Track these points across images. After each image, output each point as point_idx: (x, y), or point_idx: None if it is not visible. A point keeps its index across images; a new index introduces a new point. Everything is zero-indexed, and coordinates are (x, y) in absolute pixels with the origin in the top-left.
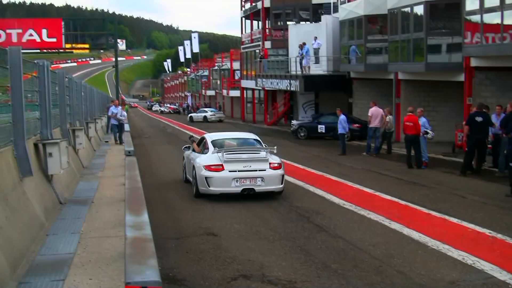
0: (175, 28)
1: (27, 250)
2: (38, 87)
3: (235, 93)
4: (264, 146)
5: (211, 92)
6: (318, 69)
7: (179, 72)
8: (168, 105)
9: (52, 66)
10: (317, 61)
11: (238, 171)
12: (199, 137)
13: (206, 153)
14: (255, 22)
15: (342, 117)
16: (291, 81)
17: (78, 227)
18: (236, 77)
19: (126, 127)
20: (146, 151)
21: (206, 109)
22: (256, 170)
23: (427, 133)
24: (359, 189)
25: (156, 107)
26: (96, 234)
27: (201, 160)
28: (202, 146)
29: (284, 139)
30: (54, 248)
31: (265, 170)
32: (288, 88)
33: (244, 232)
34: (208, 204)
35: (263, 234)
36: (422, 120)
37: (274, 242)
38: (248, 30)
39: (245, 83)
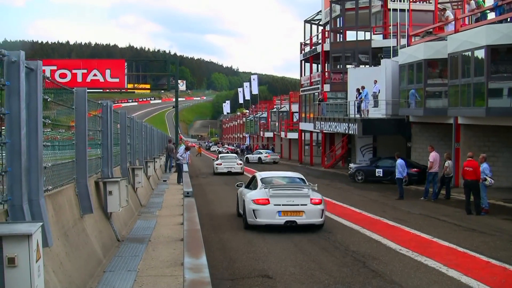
0: (235, 70)
1: (84, 286)
2: (101, 127)
3: (293, 135)
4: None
5: (269, 134)
6: (377, 112)
7: (238, 113)
8: (226, 145)
9: (114, 105)
10: (376, 104)
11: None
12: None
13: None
14: (314, 65)
15: (400, 161)
16: (350, 124)
17: (135, 265)
18: (295, 120)
19: (185, 167)
20: (203, 191)
21: (261, 150)
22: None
23: (485, 179)
24: (416, 234)
25: (214, 148)
26: (152, 272)
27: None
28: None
29: (341, 182)
30: (111, 285)
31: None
32: (346, 131)
33: (299, 275)
34: (263, 245)
35: (318, 278)
36: (483, 166)
37: (329, 287)
38: (308, 73)
39: (303, 126)
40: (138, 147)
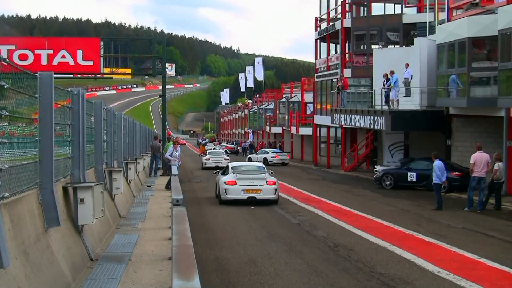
0: (235, 51)
1: None
2: (71, 120)
3: (306, 131)
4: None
5: (276, 129)
6: (409, 103)
7: (239, 104)
8: (224, 143)
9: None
10: (407, 93)
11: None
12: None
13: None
14: (332, 46)
15: (438, 163)
16: (375, 117)
17: None
18: (308, 112)
19: (174, 169)
20: (196, 199)
21: (268, 149)
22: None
23: None
24: (459, 253)
25: (209, 146)
26: None
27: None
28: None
29: (365, 189)
30: None
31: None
32: (372, 126)
33: None
34: (269, 265)
35: None
36: None
37: None
38: (324, 55)
39: (318, 119)
40: (116, 145)
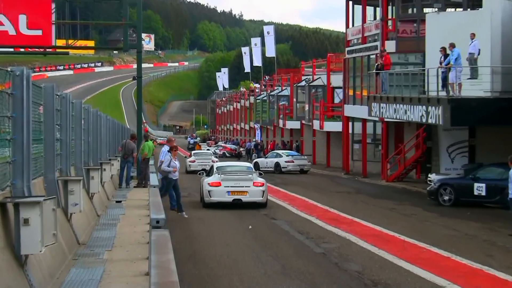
0: (236, 17)
1: None
2: (11, 110)
3: (334, 126)
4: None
5: (293, 124)
6: (476, 88)
7: (242, 89)
8: (222, 143)
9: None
10: (473, 75)
11: (231, 186)
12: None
13: (212, 175)
14: (369, 10)
15: None
16: (429, 108)
17: None
18: (337, 100)
19: (153, 178)
20: (183, 219)
21: (281, 151)
22: (243, 186)
23: None
24: None
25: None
26: None
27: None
28: (211, 172)
29: (415, 206)
30: None
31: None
32: (424, 120)
33: None
34: None
35: None
36: None
37: None
38: (358, 23)
39: (350, 110)
40: (74, 146)
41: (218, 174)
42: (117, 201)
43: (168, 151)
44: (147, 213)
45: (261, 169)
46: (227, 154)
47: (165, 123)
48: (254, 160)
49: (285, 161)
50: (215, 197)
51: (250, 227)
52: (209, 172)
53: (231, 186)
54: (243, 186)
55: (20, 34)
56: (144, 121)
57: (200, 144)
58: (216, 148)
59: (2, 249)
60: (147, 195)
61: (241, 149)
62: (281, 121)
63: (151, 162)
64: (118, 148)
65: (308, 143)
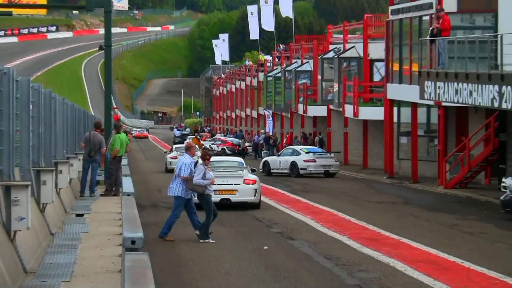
0: None
1: None
2: None
3: (373, 112)
4: (244, 167)
5: (317, 110)
6: None
7: (247, 63)
8: (221, 136)
9: None
10: None
11: (218, 184)
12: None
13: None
14: None
15: None
16: (503, 87)
17: None
18: (377, 78)
19: (127, 184)
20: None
21: (300, 147)
22: (232, 184)
23: None
24: None
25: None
26: None
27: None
28: (195, 169)
29: (483, 221)
30: None
31: (239, 184)
32: (496, 105)
33: None
34: None
35: None
36: None
37: None
38: None
39: (395, 91)
40: (20, 139)
41: None
42: (78, 215)
43: (197, 162)
44: (118, 230)
45: (272, 170)
46: (228, 151)
47: (143, 108)
48: (264, 159)
49: (304, 160)
50: None
51: (265, 247)
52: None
53: (218, 184)
54: (232, 184)
55: None
56: (115, 106)
57: (197, 136)
58: (213, 142)
59: None
60: (118, 206)
61: (247, 144)
62: (300, 106)
63: (124, 161)
64: (81, 144)
65: (338, 136)
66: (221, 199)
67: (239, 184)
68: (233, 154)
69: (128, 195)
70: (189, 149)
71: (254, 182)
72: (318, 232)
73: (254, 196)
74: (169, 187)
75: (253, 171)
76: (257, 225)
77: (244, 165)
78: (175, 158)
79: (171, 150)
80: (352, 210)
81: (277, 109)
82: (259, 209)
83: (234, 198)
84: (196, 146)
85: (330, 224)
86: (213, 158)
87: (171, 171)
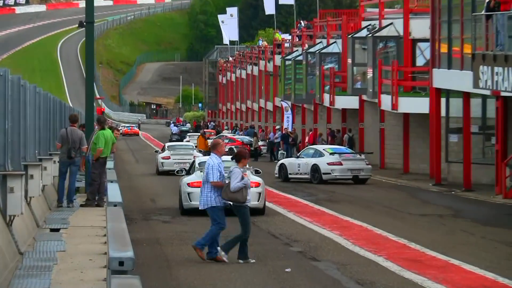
0: None
1: None
2: None
3: (416, 104)
4: (247, 168)
5: (348, 101)
6: None
7: (261, 43)
8: (228, 133)
9: None
10: None
11: None
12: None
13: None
14: None
15: None
16: None
17: None
18: (420, 62)
19: (112, 191)
20: (164, 259)
21: (323, 147)
22: None
23: None
24: None
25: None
26: None
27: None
28: (192, 169)
29: None
30: None
31: None
32: None
33: None
34: None
35: None
36: None
37: None
38: None
39: (443, 78)
40: None
41: (201, 171)
42: (52, 229)
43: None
44: (103, 249)
45: (290, 175)
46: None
47: (132, 99)
48: (280, 162)
49: (328, 163)
50: (197, 200)
51: (288, 270)
52: (189, 170)
53: None
54: None
55: None
56: (98, 96)
57: (203, 135)
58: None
59: None
60: (103, 219)
61: (260, 143)
62: (326, 97)
63: (110, 164)
64: (56, 144)
65: (372, 133)
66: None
67: None
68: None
69: (115, 205)
70: (216, 147)
71: (257, 184)
72: (348, 252)
73: (258, 201)
74: (200, 200)
75: (257, 172)
76: (273, 243)
77: (247, 166)
78: (168, 158)
79: (163, 149)
80: (390, 224)
81: (297, 100)
82: (276, 224)
83: None
84: (195, 151)
85: (363, 241)
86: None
87: (164, 173)
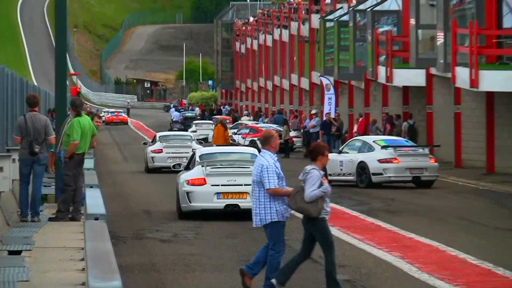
0: None
1: None
2: None
3: (502, 79)
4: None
5: (412, 76)
6: None
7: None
8: (248, 120)
9: None
10: None
11: (222, 185)
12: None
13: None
14: None
15: None
16: None
17: None
18: (507, 24)
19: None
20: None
21: (373, 139)
22: (242, 185)
23: None
24: None
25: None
26: None
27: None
28: (192, 163)
29: None
30: None
31: (251, 185)
32: None
33: None
34: None
35: None
36: None
37: None
38: None
39: None
40: None
41: (203, 166)
42: (12, 252)
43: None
44: (79, 277)
45: (331, 176)
46: (260, 146)
47: (118, 75)
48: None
49: (380, 160)
50: (197, 201)
51: None
52: (188, 164)
53: (222, 185)
54: (241, 185)
55: None
56: (73, 71)
57: (223, 123)
58: (236, 131)
59: None
60: (80, 238)
61: (293, 133)
62: (382, 71)
63: (89, 163)
64: (14, 137)
65: (444, 119)
66: (227, 205)
67: (251, 185)
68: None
69: (96, 218)
70: (268, 141)
71: None
72: (412, 280)
73: None
74: (254, 215)
75: None
76: (310, 268)
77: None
78: (160, 152)
79: (153, 140)
80: (469, 243)
81: (342, 76)
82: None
83: (244, 203)
84: (194, 142)
85: (433, 266)
86: (215, 149)
87: (154, 170)
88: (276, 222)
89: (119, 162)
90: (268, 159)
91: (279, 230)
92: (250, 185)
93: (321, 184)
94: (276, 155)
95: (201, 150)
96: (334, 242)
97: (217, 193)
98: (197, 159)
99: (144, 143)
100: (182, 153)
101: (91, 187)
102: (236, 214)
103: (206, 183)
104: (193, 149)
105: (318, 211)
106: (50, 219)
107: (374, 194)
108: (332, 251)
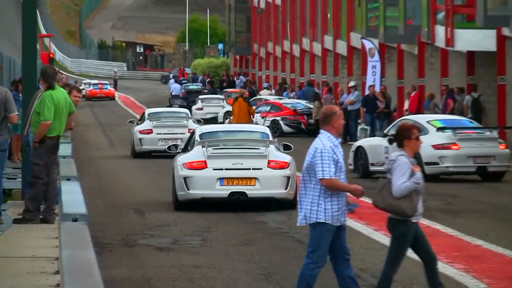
0: None
1: None
2: None
3: None
4: (269, 140)
5: (478, 38)
6: None
7: None
8: (270, 95)
9: None
10: None
11: (226, 169)
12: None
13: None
14: None
15: None
16: None
17: None
18: None
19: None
20: None
21: (427, 118)
22: (249, 169)
23: None
24: None
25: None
26: None
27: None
28: (191, 144)
29: None
30: None
31: (261, 168)
32: None
33: None
34: None
35: None
36: None
37: None
38: None
39: None
40: None
41: (203, 147)
42: None
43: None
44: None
45: (373, 167)
46: (285, 127)
47: (103, 37)
48: (357, 143)
49: (434, 146)
50: (196, 188)
51: None
52: (186, 145)
53: (226, 169)
54: (249, 169)
55: None
56: (45, 33)
57: (242, 95)
58: (256, 109)
59: None
60: (53, 245)
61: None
62: (440, 31)
63: (65, 148)
64: None
65: None
66: (231, 193)
67: (261, 169)
68: (298, 132)
69: (74, 220)
70: (329, 120)
71: (284, 165)
72: None
73: (286, 189)
74: (299, 210)
75: (286, 148)
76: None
77: (271, 138)
78: (149, 132)
79: (141, 118)
80: None
81: (388, 38)
82: (354, 250)
83: (252, 191)
84: (190, 121)
85: (507, 282)
86: (216, 127)
87: (141, 155)
88: (321, 224)
89: (104, 148)
90: (325, 141)
91: (323, 235)
92: (260, 169)
93: (412, 174)
94: (339, 139)
95: (201, 128)
96: (403, 257)
97: (220, 179)
98: (197, 138)
99: (131, 122)
100: (177, 134)
101: (68, 179)
102: (246, 205)
103: (207, 167)
104: (189, 130)
105: (413, 208)
106: (16, 221)
107: (429, 189)
108: (395, 266)
